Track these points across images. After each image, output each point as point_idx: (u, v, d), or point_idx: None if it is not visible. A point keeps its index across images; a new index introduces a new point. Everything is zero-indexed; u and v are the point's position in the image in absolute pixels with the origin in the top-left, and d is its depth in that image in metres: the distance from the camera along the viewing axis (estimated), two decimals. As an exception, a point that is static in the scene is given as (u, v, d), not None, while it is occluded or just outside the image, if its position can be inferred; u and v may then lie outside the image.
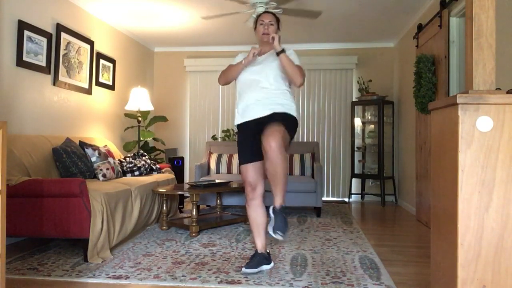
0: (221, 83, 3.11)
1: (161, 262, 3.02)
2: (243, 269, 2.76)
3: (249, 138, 2.85)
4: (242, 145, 2.90)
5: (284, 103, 2.80)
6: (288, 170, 2.89)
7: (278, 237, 2.58)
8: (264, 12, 2.98)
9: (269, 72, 2.82)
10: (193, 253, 3.27)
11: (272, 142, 2.53)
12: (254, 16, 4.51)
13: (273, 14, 2.97)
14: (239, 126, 2.94)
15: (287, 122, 2.73)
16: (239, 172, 5.40)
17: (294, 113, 2.79)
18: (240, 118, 2.91)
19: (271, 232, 2.61)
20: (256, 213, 2.87)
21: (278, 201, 2.61)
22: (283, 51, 2.75)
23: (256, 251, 2.88)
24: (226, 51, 6.73)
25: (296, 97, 6.53)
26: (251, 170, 2.83)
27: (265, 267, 2.82)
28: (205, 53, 6.81)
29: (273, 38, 2.75)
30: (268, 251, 2.93)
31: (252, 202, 2.86)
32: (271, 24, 2.88)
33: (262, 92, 2.81)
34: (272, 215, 2.62)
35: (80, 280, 2.63)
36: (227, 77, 3.03)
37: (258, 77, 2.84)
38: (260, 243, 2.88)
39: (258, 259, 2.82)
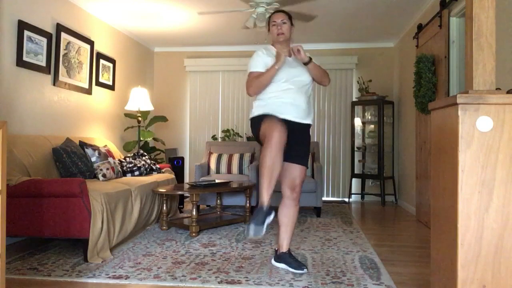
0: (253, 94, 2.82)
1: (161, 262, 3.02)
2: (251, 225, 2.44)
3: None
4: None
5: (311, 113, 2.94)
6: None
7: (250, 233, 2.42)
8: (274, 12, 2.96)
9: (306, 74, 2.86)
10: (193, 253, 3.27)
11: (298, 187, 2.86)
12: (254, 16, 4.51)
13: (284, 12, 2.94)
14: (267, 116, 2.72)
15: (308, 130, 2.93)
16: (238, 172, 5.43)
17: (311, 122, 2.95)
18: (275, 112, 2.71)
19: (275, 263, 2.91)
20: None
21: (286, 247, 2.88)
22: (311, 60, 2.81)
23: (262, 206, 2.51)
24: (226, 51, 6.74)
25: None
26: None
27: (267, 221, 2.50)
28: (205, 53, 6.81)
29: (298, 51, 2.74)
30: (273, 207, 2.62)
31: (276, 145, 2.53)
32: (284, 23, 2.86)
33: (305, 97, 2.85)
34: (276, 263, 2.90)
35: (80, 280, 2.63)
36: (261, 85, 2.76)
37: (299, 79, 2.83)
38: (268, 196, 2.52)
39: (262, 213, 2.49)
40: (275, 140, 2.48)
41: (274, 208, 2.57)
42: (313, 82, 2.95)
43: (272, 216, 2.52)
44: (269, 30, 2.94)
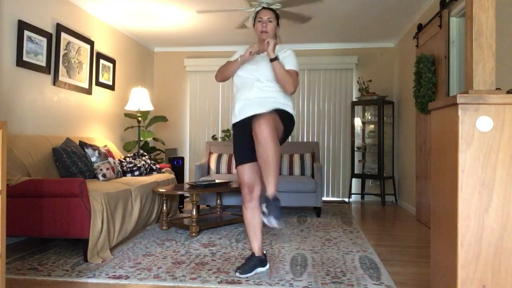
0: (218, 80, 3.05)
1: (161, 262, 3.02)
2: (237, 274, 2.68)
3: (245, 137, 2.72)
4: (238, 145, 2.82)
5: (281, 102, 2.75)
6: (280, 158, 2.75)
7: (274, 224, 2.39)
8: (262, 9, 2.88)
9: (266, 71, 2.74)
10: (193, 253, 3.27)
11: (263, 125, 2.43)
12: (254, 16, 4.50)
13: (272, 10, 2.87)
14: (235, 125, 2.87)
15: (282, 114, 2.68)
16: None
17: (290, 110, 2.77)
18: (236, 117, 2.84)
19: (266, 222, 2.46)
20: (253, 216, 2.78)
21: (270, 190, 2.46)
22: (276, 58, 2.68)
23: (253, 253, 2.82)
24: (226, 51, 6.72)
25: (296, 97, 6.54)
26: (248, 171, 2.74)
27: (260, 270, 2.77)
28: (205, 53, 6.81)
29: (268, 43, 2.68)
30: (265, 252, 2.87)
31: (249, 204, 2.77)
32: (270, 21, 2.80)
33: (259, 90, 2.75)
34: (265, 209, 2.44)
35: (80, 280, 2.63)
36: (224, 73, 2.95)
37: (255, 76, 2.76)
38: (256, 246, 2.81)
39: (253, 262, 2.75)
40: (244, 194, 2.77)
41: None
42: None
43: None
44: (254, 25, 2.90)
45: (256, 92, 2.76)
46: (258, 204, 2.77)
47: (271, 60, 2.70)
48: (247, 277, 2.67)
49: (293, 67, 2.75)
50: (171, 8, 4.88)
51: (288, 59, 2.76)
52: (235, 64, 2.83)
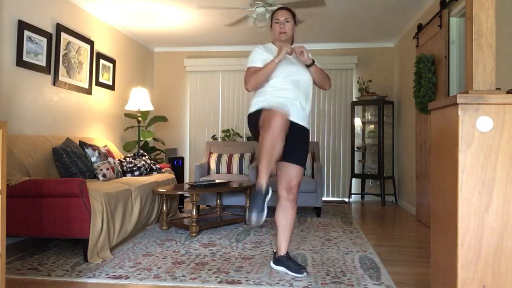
0: (251, 89, 2.74)
1: (161, 262, 3.02)
2: (304, 273, 2.71)
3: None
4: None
5: (308, 118, 2.86)
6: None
7: (249, 219, 2.41)
8: (278, 9, 2.86)
9: (308, 79, 2.80)
10: (193, 253, 3.27)
11: (295, 188, 2.73)
12: (254, 16, 4.51)
13: (288, 9, 2.84)
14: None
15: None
16: (238, 172, 5.43)
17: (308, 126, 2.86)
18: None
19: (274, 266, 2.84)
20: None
21: (284, 250, 2.81)
22: (313, 62, 2.78)
23: (260, 189, 2.51)
24: (226, 51, 6.74)
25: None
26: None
27: (267, 200, 2.52)
28: (205, 53, 6.81)
29: (302, 52, 2.71)
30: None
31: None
32: (287, 22, 2.79)
33: (304, 98, 2.76)
34: (275, 266, 2.83)
35: (80, 280, 2.63)
36: (259, 79, 2.69)
37: (300, 79, 2.76)
38: (266, 177, 2.51)
39: (261, 196, 2.48)
40: (277, 122, 2.36)
41: (270, 186, 2.48)
42: (314, 85, 2.88)
43: (270, 195, 2.47)
44: (271, 26, 2.87)
45: (302, 98, 2.75)
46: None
47: (309, 66, 2.77)
48: (264, 212, 2.45)
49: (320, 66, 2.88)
50: (171, 8, 4.88)
51: (315, 60, 2.84)
52: (272, 65, 2.67)
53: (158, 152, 6.13)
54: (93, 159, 3.98)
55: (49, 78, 4.19)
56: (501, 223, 1.62)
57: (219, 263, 2.98)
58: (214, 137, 6.52)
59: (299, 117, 2.72)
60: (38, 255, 3.19)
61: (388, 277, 2.69)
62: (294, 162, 2.73)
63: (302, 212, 5.22)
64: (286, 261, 2.78)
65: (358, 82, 6.36)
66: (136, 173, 4.52)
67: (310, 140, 6.46)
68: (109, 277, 2.68)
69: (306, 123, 2.79)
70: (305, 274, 2.69)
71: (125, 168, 4.47)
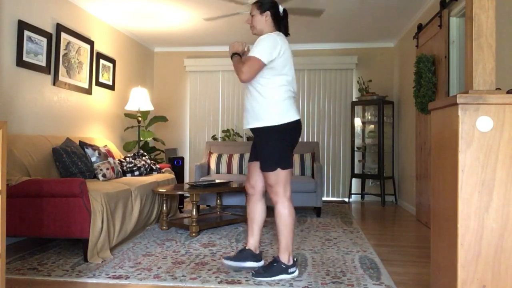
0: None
1: (161, 262, 3.02)
2: (224, 260, 2.79)
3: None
4: (291, 146, 2.73)
5: (256, 115, 2.67)
6: (290, 222, 2.67)
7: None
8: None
9: None
10: (193, 253, 3.27)
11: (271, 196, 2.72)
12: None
13: (254, 3, 2.78)
14: (297, 122, 2.70)
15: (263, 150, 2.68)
16: (238, 172, 5.43)
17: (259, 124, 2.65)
18: (296, 115, 2.70)
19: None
20: (253, 208, 2.86)
21: (277, 251, 2.74)
22: (233, 55, 2.73)
23: (244, 247, 2.88)
24: (226, 51, 6.69)
25: (297, 97, 6.52)
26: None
27: (250, 264, 2.79)
28: (205, 53, 6.81)
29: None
30: (260, 252, 2.89)
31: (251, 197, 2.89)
32: (252, 15, 2.76)
33: (247, 98, 2.75)
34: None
35: (80, 280, 2.63)
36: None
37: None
38: (252, 242, 2.85)
39: (245, 254, 2.81)
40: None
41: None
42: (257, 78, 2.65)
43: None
44: None
45: (246, 99, 2.79)
46: (261, 198, 2.87)
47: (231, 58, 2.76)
48: (233, 266, 2.77)
49: (252, 53, 2.59)
50: (171, 8, 4.88)
51: (253, 48, 2.62)
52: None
53: (158, 152, 6.13)
54: (93, 159, 3.98)
55: (49, 78, 4.19)
56: (501, 223, 1.62)
57: (219, 263, 2.98)
58: (214, 137, 6.52)
59: (246, 121, 2.77)
60: (38, 255, 3.19)
61: (388, 277, 2.69)
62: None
63: (302, 212, 5.22)
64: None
65: (358, 82, 6.36)
66: (136, 173, 4.52)
67: (310, 140, 6.54)
68: (109, 277, 2.68)
69: (251, 124, 2.71)
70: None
71: (125, 168, 4.47)
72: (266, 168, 2.66)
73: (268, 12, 2.72)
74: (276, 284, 2.56)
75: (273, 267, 2.64)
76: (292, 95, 2.73)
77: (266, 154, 2.66)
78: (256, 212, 2.85)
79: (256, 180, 2.83)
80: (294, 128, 2.68)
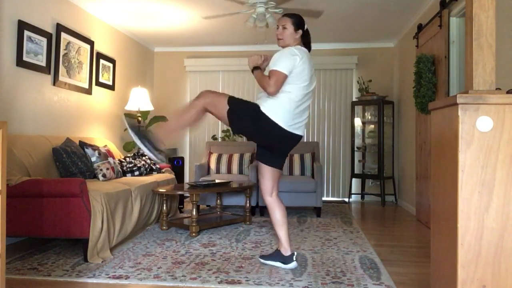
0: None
1: (161, 262, 3.02)
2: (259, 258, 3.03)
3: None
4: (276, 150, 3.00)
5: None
6: (283, 219, 2.94)
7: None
8: (282, 16, 2.92)
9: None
10: (193, 253, 3.27)
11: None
12: (254, 16, 4.51)
13: (289, 16, 2.86)
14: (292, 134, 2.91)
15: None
16: (238, 172, 5.42)
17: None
18: (297, 129, 2.97)
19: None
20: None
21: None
22: (254, 69, 2.81)
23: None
24: (226, 51, 6.73)
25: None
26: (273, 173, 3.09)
27: (278, 264, 2.93)
28: (205, 53, 6.81)
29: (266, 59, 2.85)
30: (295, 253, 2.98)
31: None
32: (284, 28, 2.82)
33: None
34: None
35: (80, 280, 2.63)
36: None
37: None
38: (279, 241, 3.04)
39: (275, 254, 2.97)
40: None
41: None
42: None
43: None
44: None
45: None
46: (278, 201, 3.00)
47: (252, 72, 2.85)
48: (263, 263, 2.97)
49: (272, 67, 2.71)
50: (171, 8, 4.88)
51: (271, 62, 2.75)
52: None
53: (158, 152, 6.12)
54: (93, 159, 3.98)
55: (49, 78, 4.19)
56: (501, 223, 1.62)
57: (219, 263, 2.98)
58: (214, 137, 6.52)
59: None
60: (38, 255, 3.19)
61: (388, 277, 2.69)
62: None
63: (302, 212, 5.22)
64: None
65: (358, 82, 6.36)
66: (136, 173, 4.52)
67: (310, 140, 6.54)
68: (109, 277, 2.68)
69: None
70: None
71: (125, 168, 4.47)
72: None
73: (300, 31, 2.84)
74: (276, 284, 2.56)
75: (276, 256, 2.95)
76: (299, 107, 2.81)
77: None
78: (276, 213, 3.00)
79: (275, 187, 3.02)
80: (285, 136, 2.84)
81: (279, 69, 2.66)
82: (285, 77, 2.67)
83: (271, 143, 2.86)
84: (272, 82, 2.65)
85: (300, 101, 2.77)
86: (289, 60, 2.68)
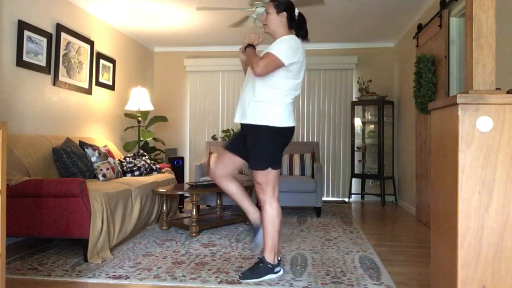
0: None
1: (161, 262, 3.02)
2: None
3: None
4: (280, 150, 2.73)
5: (249, 111, 2.68)
6: (277, 223, 2.68)
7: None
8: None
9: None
10: (193, 253, 3.27)
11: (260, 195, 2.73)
12: (254, 16, 4.51)
13: (273, 1, 2.72)
14: (290, 128, 2.71)
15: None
16: (238, 172, 5.42)
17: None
18: (291, 122, 2.70)
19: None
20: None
21: (263, 251, 2.71)
22: (249, 46, 2.71)
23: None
24: (226, 51, 6.73)
25: (296, 97, 6.51)
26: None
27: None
28: (205, 53, 6.81)
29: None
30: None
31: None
32: (268, 13, 2.72)
33: (247, 93, 2.78)
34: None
35: (80, 280, 2.63)
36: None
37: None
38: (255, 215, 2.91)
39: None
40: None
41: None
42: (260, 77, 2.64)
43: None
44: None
45: (245, 93, 2.76)
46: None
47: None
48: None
49: (270, 50, 2.58)
50: (171, 8, 4.88)
51: (271, 46, 2.62)
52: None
53: (158, 152, 6.13)
54: (93, 159, 3.98)
55: (49, 78, 4.19)
56: (501, 223, 1.62)
57: (219, 263, 2.98)
58: (214, 137, 6.52)
59: (238, 115, 2.76)
60: (38, 255, 3.19)
61: (388, 277, 2.69)
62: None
63: (302, 212, 5.22)
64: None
65: (358, 82, 6.36)
66: (136, 173, 4.52)
67: (310, 140, 6.54)
68: (109, 277, 2.68)
69: (245, 119, 2.70)
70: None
71: (125, 168, 4.47)
72: (257, 166, 2.65)
73: (284, 13, 2.68)
74: (276, 284, 2.56)
75: (260, 268, 2.64)
76: (293, 100, 2.72)
77: (259, 152, 2.63)
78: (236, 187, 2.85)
79: (227, 171, 2.82)
80: (288, 133, 2.68)
81: (278, 55, 2.52)
82: (280, 65, 2.54)
83: (285, 147, 2.76)
84: (262, 63, 2.50)
85: (293, 95, 2.69)
86: (292, 53, 2.56)
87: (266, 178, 2.64)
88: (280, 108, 2.62)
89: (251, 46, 2.71)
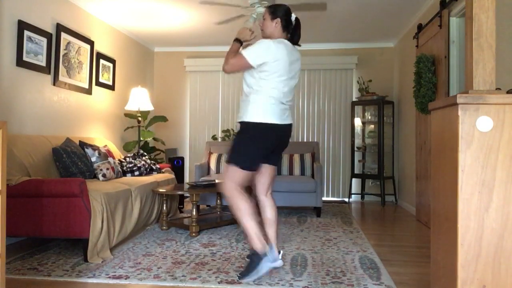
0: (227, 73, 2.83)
1: (161, 262, 3.02)
2: None
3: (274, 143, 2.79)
4: (262, 147, 2.72)
5: (244, 109, 2.71)
6: (242, 208, 2.63)
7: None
8: None
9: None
10: (193, 253, 3.27)
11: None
12: (254, 16, 4.51)
13: (267, 6, 2.86)
14: (271, 126, 2.69)
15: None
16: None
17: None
18: (280, 119, 2.70)
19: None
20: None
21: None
22: (237, 40, 2.81)
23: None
24: (226, 51, 6.68)
25: (296, 97, 6.53)
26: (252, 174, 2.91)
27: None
28: (205, 53, 6.81)
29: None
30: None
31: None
32: (264, 19, 2.81)
33: (244, 90, 2.86)
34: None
35: (80, 280, 2.63)
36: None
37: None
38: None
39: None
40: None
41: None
42: (248, 71, 2.72)
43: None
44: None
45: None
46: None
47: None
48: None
49: (242, 51, 2.66)
50: (171, 8, 4.88)
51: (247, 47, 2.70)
52: None
53: (158, 152, 6.13)
54: (93, 159, 3.98)
55: (49, 78, 4.19)
56: (501, 223, 1.62)
57: (219, 263, 2.98)
58: (214, 137, 6.52)
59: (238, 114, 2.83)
60: (38, 255, 3.19)
61: (388, 277, 2.69)
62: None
63: (302, 212, 5.22)
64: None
65: (358, 82, 6.36)
66: (136, 173, 4.52)
67: (310, 140, 6.54)
68: (109, 277, 2.68)
69: (240, 117, 2.75)
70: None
71: (125, 168, 4.47)
72: (228, 159, 2.69)
73: (278, 19, 2.75)
74: (276, 284, 2.56)
75: (251, 263, 2.60)
76: (276, 102, 2.66)
77: (233, 145, 2.69)
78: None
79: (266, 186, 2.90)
80: (270, 131, 2.65)
81: (245, 56, 2.61)
82: (246, 65, 2.62)
83: (271, 147, 2.73)
84: (231, 61, 2.65)
85: (280, 97, 2.67)
86: (262, 53, 2.60)
87: (230, 174, 2.65)
88: (260, 106, 2.63)
89: (238, 41, 2.80)
